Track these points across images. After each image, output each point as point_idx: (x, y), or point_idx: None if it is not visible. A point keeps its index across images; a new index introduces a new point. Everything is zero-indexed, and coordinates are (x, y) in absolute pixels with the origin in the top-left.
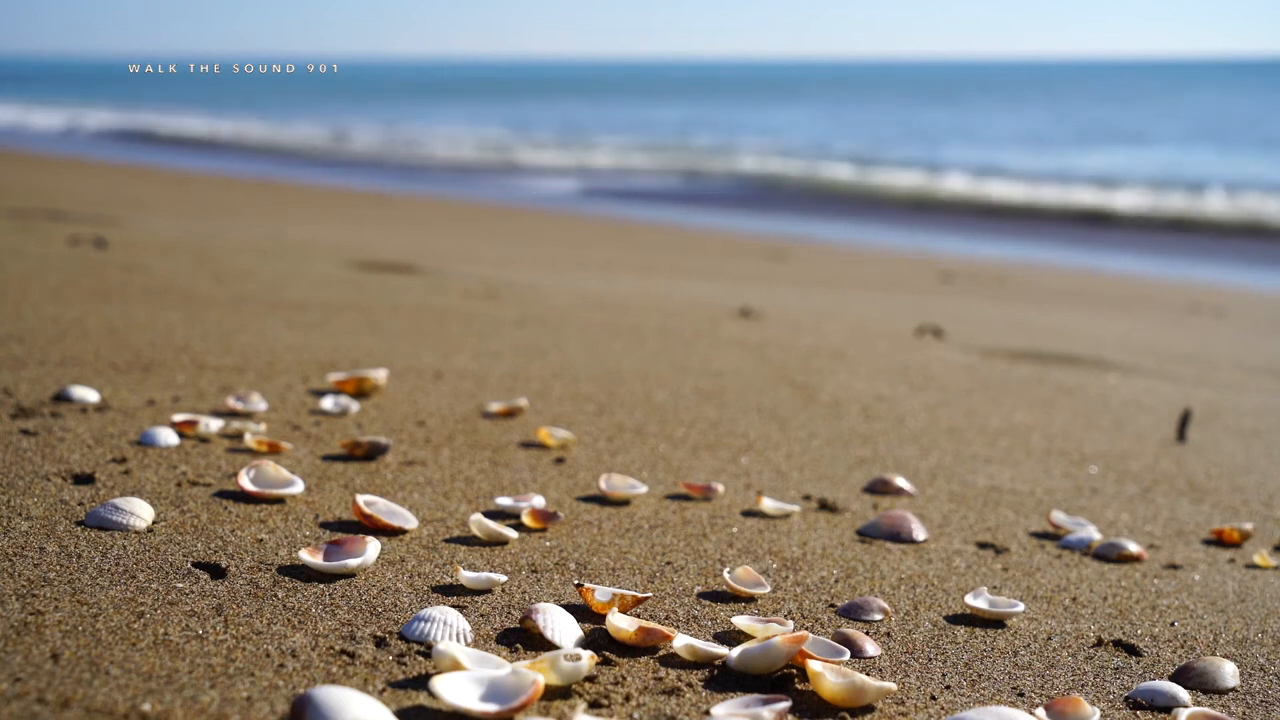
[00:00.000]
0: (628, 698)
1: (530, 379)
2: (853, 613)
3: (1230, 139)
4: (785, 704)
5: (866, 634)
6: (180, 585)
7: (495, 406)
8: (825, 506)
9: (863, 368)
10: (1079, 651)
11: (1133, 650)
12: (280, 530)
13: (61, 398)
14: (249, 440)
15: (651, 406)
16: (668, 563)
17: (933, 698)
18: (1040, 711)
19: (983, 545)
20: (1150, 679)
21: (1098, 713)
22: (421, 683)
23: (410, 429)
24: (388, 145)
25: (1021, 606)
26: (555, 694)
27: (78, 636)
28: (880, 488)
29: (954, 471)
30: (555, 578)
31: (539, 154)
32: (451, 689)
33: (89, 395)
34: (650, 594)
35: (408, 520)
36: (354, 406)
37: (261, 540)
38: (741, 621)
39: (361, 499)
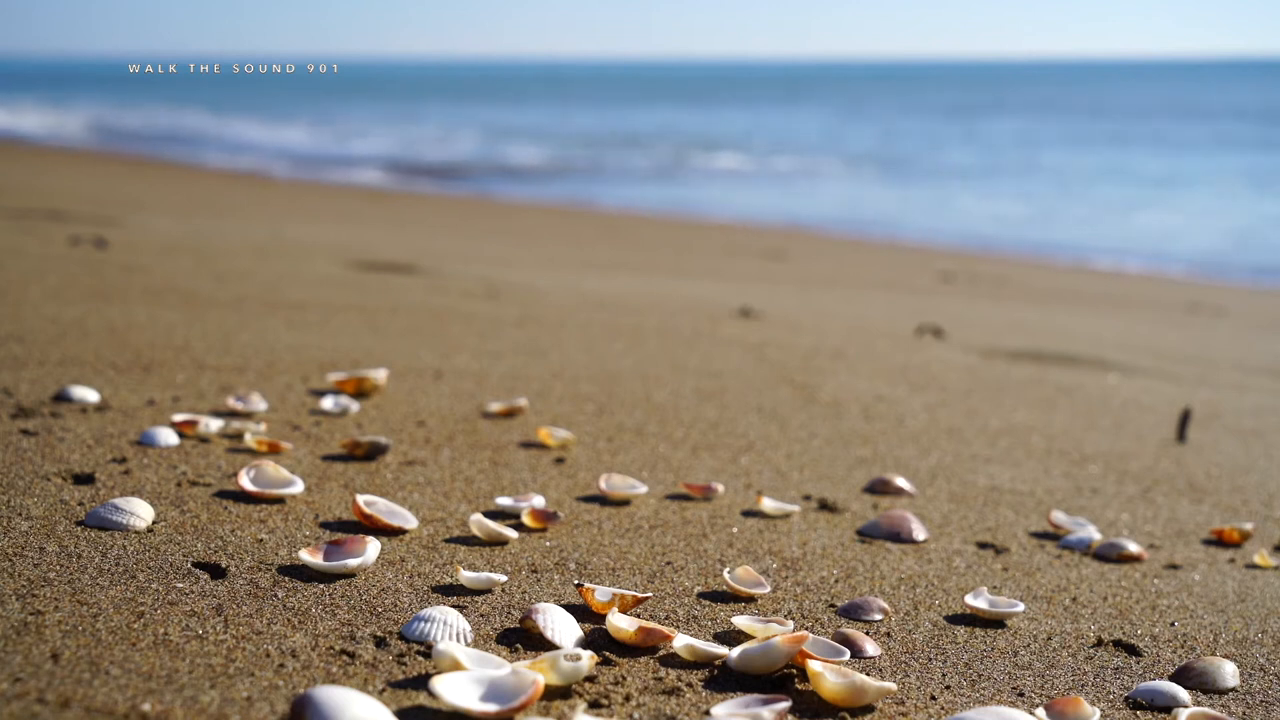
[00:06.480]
0: (628, 698)
1: (530, 379)
2: (853, 613)
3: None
4: (785, 704)
5: (866, 634)
6: (180, 585)
7: (495, 406)
8: (825, 506)
9: (863, 368)
10: (1079, 651)
11: (1133, 650)
12: (280, 530)
13: (61, 398)
14: (249, 440)
15: (651, 406)
16: (668, 563)
17: (933, 698)
18: (1040, 711)
19: (983, 545)
20: (1150, 679)
21: (1098, 713)
22: (421, 683)
23: (410, 429)
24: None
25: (1021, 606)
26: (555, 694)
27: (78, 636)
28: (880, 488)
29: (954, 471)
30: (555, 578)
31: None
32: (451, 689)
33: (89, 395)
34: (650, 594)
35: (408, 520)
36: (354, 406)
37: (261, 540)
38: (741, 621)
39: (361, 499)
